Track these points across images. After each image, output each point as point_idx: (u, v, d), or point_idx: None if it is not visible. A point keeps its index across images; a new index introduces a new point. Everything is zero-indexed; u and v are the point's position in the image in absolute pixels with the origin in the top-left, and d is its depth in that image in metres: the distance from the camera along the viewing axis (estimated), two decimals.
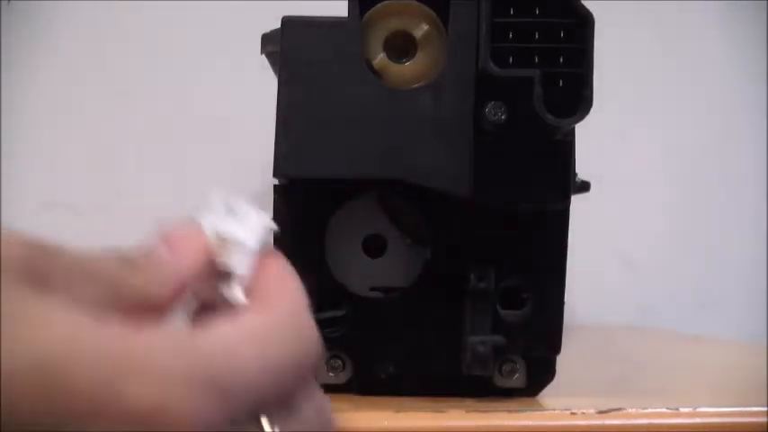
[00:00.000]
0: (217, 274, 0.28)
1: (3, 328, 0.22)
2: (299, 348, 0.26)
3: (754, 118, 0.86)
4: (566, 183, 0.40)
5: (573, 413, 0.39)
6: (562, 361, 0.42)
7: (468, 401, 0.41)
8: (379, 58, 0.40)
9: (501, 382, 0.42)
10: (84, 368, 0.22)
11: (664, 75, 0.86)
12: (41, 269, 0.24)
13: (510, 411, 0.39)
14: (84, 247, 0.26)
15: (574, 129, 0.40)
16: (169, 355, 0.23)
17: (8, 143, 0.75)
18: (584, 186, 0.45)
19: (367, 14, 0.40)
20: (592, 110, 0.38)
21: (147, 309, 0.26)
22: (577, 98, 0.38)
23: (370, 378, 0.42)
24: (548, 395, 0.42)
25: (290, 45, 0.40)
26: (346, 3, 0.40)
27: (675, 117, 0.86)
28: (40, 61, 0.76)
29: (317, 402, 0.28)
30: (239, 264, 0.28)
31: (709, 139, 0.86)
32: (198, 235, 0.28)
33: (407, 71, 0.40)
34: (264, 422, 0.25)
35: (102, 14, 0.76)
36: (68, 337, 0.22)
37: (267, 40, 0.43)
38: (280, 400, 0.26)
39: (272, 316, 0.27)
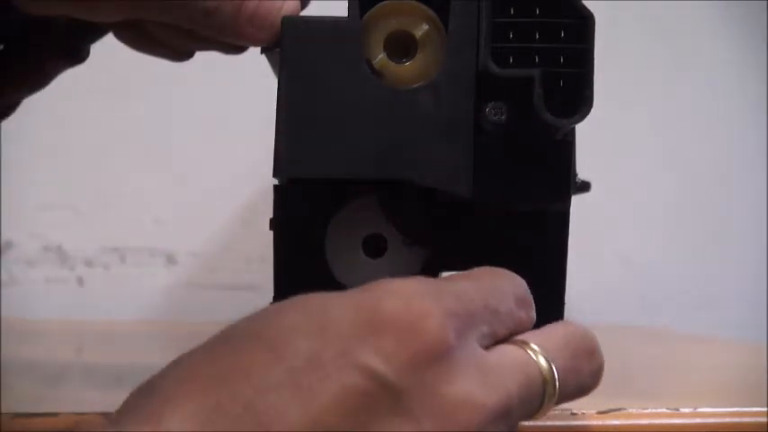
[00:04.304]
0: None
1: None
2: (503, 280, 0.34)
3: (755, 118, 0.86)
4: (566, 183, 0.40)
5: (573, 413, 0.39)
6: None
7: None
8: (379, 58, 0.40)
9: None
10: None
11: (665, 75, 0.86)
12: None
13: None
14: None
15: (574, 129, 0.40)
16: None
17: (8, 143, 0.75)
18: (584, 186, 0.44)
19: (367, 14, 0.40)
20: (592, 110, 0.38)
21: None
22: (578, 98, 0.38)
23: None
24: None
25: (290, 45, 0.40)
26: (346, 3, 0.40)
27: (676, 117, 0.86)
28: None
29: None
30: None
31: (710, 139, 0.86)
32: None
33: (407, 71, 0.40)
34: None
35: None
36: None
37: None
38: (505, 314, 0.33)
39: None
